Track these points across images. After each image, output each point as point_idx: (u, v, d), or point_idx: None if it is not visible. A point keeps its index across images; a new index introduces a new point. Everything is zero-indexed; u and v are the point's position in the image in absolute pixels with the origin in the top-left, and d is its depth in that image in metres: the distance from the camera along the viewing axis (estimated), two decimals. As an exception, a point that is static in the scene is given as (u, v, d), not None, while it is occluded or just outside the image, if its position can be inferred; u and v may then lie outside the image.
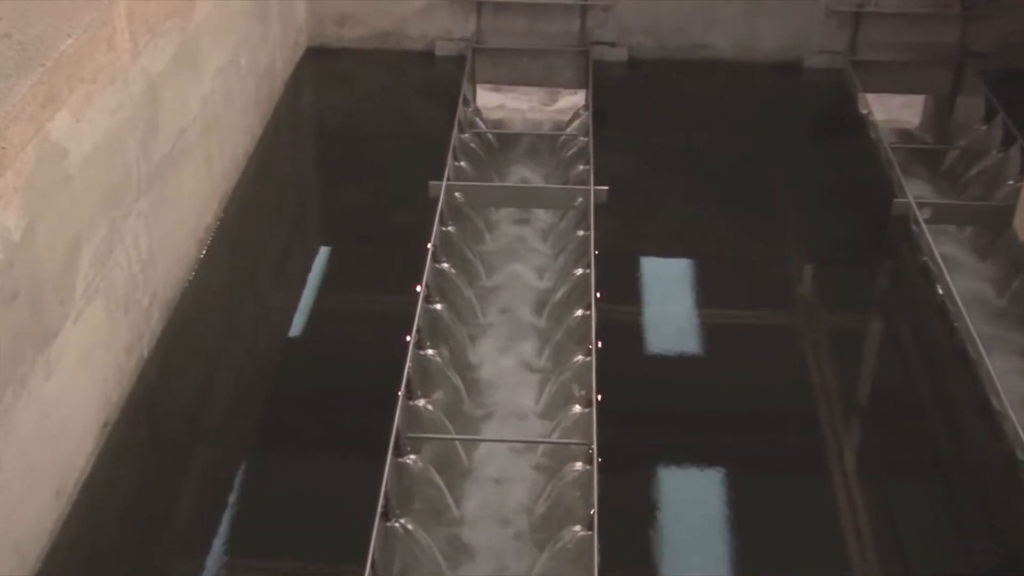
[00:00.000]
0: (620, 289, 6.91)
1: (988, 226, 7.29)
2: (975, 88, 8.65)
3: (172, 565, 5.24)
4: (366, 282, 7.03)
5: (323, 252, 7.53)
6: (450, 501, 5.35)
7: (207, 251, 7.07)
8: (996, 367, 5.85)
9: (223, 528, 5.38)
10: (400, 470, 5.20)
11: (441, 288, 6.48)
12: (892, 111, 8.98)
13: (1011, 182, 7.51)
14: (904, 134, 8.78)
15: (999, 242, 7.13)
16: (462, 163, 7.60)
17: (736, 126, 8.79)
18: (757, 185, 8.12)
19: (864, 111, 8.47)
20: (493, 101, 9.05)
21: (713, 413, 6.09)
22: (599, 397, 5.40)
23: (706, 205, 7.86)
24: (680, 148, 8.57)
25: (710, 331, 6.69)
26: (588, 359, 5.73)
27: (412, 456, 5.28)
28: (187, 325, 6.50)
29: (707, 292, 7.00)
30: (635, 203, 7.77)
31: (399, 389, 5.41)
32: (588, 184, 7.17)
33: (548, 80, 9.10)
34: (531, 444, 5.72)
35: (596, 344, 5.76)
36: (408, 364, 5.56)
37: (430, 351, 5.90)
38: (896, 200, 7.32)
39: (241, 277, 7.15)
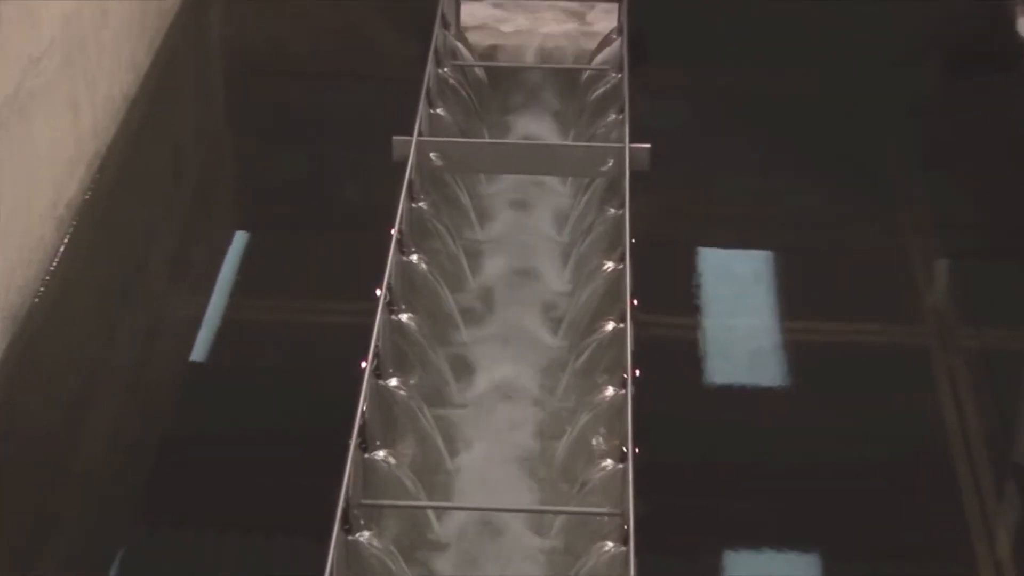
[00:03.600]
0: (666, 293, 6.96)
1: None
2: None
3: None
4: (302, 283, 7.06)
5: (239, 240, 7.55)
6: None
7: (71, 237, 7.09)
8: None
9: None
10: (350, 552, 5.21)
11: (411, 292, 6.49)
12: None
13: None
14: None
15: None
16: (440, 111, 7.60)
17: (835, 60, 8.81)
18: (865, 145, 8.15)
19: (1025, 36, 8.52)
20: (484, 19, 9.03)
21: (801, 472, 6.12)
22: (636, 449, 5.41)
23: (790, 172, 7.90)
24: (752, 91, 8.61)
25: (797, 354, 6.72)
26: (621, 394, 5.75)
27: (367, 532, 5.29)
28: (41, 344, 6.50)
29: (793, 298, 7.04)
30: (688, 169, 7.80)
31: (350, 437, 5.41)
32: (622, 141, 7.18)
33: (564, -9, 9.12)
34: (540, 515, 5.73)
35: (632, 372, 5.77)
36: (363, 401, 5.57)
37: (394, 382, 5.91)
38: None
39: (121, 276, 7.16)
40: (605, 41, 8.45)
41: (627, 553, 5.05)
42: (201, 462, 6.10)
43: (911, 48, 9.00)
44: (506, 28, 9.02)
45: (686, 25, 9.07)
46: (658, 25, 8.74)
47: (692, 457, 6.08)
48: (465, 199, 7.36)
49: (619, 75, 7.85)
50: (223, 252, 7.36)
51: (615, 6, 8.59)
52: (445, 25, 8.28)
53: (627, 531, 5.13)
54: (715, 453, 6.17)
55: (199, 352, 6.72)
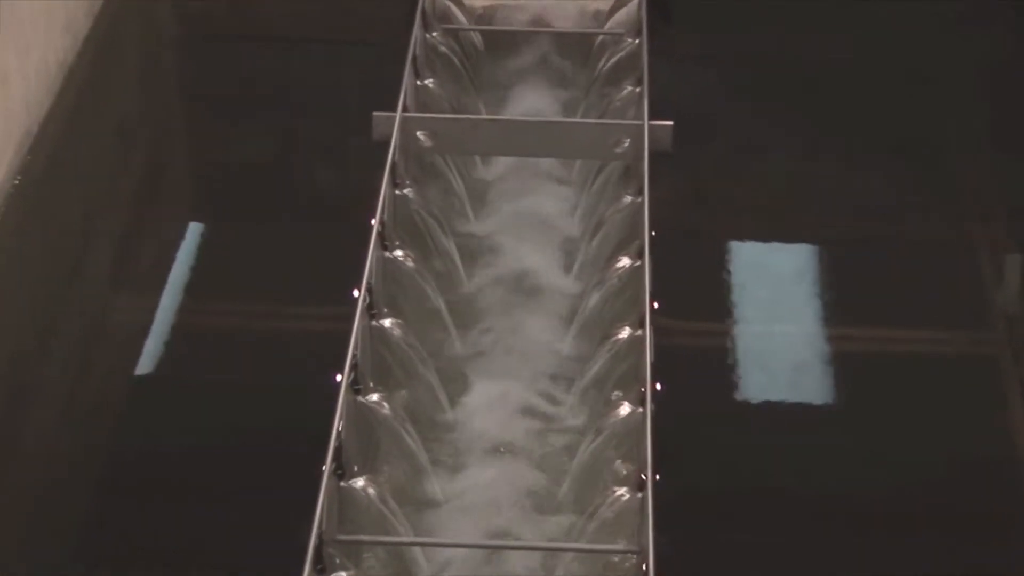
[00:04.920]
0: (692, 294, 6.95)
1: None
2: None
3: None
4: (268, 283, 7.06)
5: (194, 233, 7.56)
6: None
7: (-3, 230, 7.11)
8: None
9: None
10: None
11: (395, 293, 6.49)
12: None
13: None
14: None
15: None
16: (429, 82, 7.61)
17: (887, 23, 8.81)
18: (924, 121, 8.16)
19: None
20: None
21: (850, 502, 6.10)
22: (656, 475, 5.41)
23: (836, 153, 7.91)
24: (791, 59, 8.62)
25: (845, 366, 6.71)
26: (638, 411, 5.75)
27: (343, 572, 5.29)
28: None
29: (840, 300, 7.04)
30: (717, 149, 7.81)
31: (323, 462, 5.41)
32: (640, 118, 7.18)
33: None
34: (545, 552, 5.72)
35: (652, 387, 5.77)
36: (338, 420, 5.57)
37: (375, 397, 5.92)
38: None
39: (55, 275, 7.16)
40: (621, 1, 8.46)
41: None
42: (149, 491, 6.08)
43: (977, 8, 8.99)
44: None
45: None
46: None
47: (721, 485, 6.08)
48: (458, 185, 7.37)
49: (637, 41, 7.85)
50: (175, 247, 7.35)
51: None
52: (434, -17, 8.31)
53: (646, 571, 5.12)
54: (748, 481, 6.17)
55: (146, 364, 6.72)
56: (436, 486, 5.98)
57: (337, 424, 5.53)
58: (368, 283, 6.19)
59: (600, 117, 7.67)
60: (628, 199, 6.89)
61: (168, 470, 6.16)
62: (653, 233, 6.50)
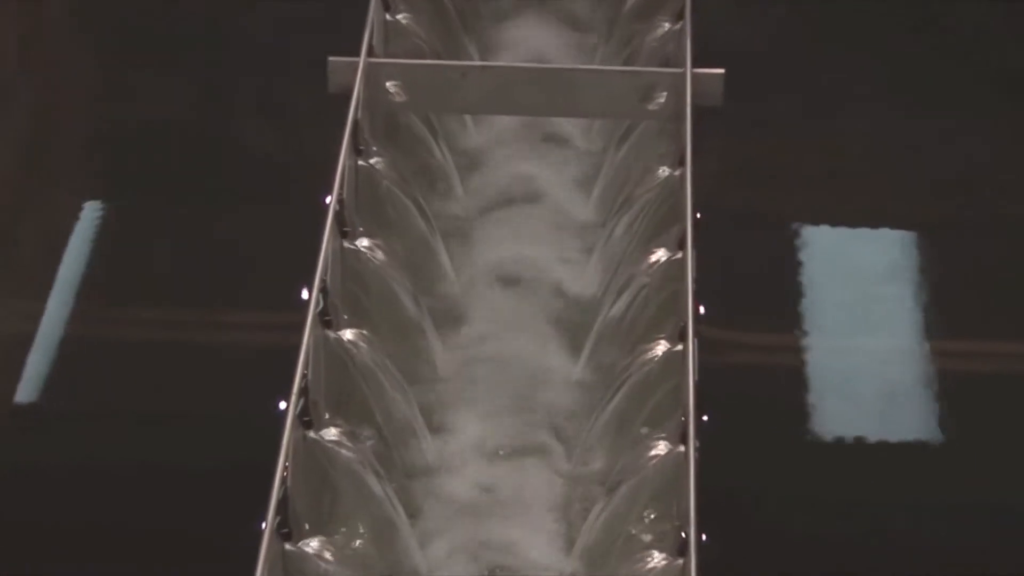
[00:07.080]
0: (748, 297, 7.01)
1: None
2: None
3: None
4: (191, 283, 7.12)
5: (91, 215, 7.59)
6: None
7: None
8: None
9: None
10: None
11: (357, 296, 6.49)
12: None
13: None
14: None
15: None
16: (402, 17, 7.61)
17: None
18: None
19: None
20: None
21: (957, 564, 6.10)
22: (703, 534, 5.38)
23: (937, 111, 7.97)
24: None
25: (954, 391, 6.73)
26: (678, 450, 5.72)
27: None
28: None
29: (946, 305, 7.07)
30: (780, 105, 7.88)
31: (263, 518, 5.37)
32: (680, 65, 7.17)
33: None
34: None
35: (696, 418, 5.73)
36: (283, 462, 5.53)
37: (332, 433, 5.88)
38: None
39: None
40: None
41: None
42: (34, 552, 6.06)
43: None
44: None
45: None
46: None
47: (786, 545, 6.12)
48: (442, 153, 7.37)
49: (675, -36, 7.87)
50: (66, 233, 7.38)
51: None
52: None
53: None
54: (821, 539, 6.20)
55: (30, 387, 6.74)
56: (415, 548, 5.98)
57: (281, 467, 5.49)
58: (322, 282, 6.16)
59: (628, 63, 7.67)
60: (664, 171, 6.87)
61: (59, 524, 6.17)
62: (698, 216, 6.48)
